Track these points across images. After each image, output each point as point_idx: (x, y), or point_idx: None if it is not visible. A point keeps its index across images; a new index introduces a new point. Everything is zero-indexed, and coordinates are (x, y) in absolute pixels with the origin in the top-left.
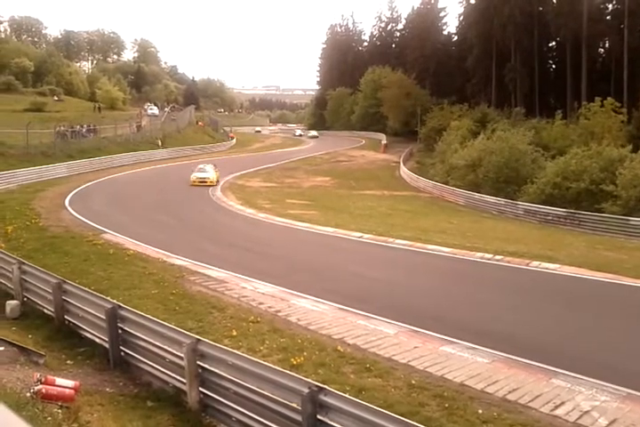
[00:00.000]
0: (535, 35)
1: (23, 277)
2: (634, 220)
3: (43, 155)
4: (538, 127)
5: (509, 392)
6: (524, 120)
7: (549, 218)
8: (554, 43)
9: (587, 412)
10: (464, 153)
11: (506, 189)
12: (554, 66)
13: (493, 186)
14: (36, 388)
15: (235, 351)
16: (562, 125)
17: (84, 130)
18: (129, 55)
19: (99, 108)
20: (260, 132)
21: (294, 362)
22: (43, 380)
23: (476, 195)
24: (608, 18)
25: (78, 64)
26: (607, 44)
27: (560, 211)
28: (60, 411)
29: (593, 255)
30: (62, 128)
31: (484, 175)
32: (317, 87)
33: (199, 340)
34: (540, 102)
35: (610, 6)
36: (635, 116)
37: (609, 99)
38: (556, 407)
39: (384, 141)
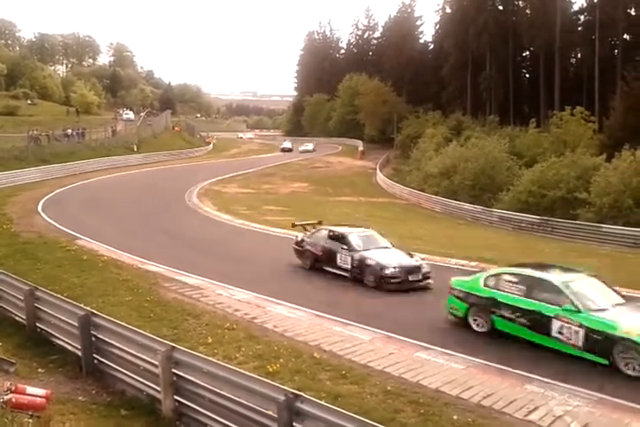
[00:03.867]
0: (510, 44)
1: None
2: (606, 227)
3: (16, 159)
4: (511, 135)
5: (484, 398)
6: (499, 128)
7: (523, 225)
8: (528, 52)
9: (560, 417)
10: (437, 161)
11: (482, 196)
12: (528, 75)
13: (469, 193)
14: (6, 397)
15: (210, 359)
16: (535, 134)
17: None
18: (104, 59)
19: (77, 111)
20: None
21: (270, 369)
22: (13, 389)
23: (453, 202)
24: (580, 29)
25: (53, 68)
26: (579, 55)
27: (534, 218)
28: (30, 420)
29: (565, 262)
30: (35, 132)
31: (459, 182)
32: (295, 93)
33: (174, 347)
34: (515, 111)
35: (582, 17)
36: (606, 125)
37: (578, 108)
38: (530, 413)
39: (361, 148)
